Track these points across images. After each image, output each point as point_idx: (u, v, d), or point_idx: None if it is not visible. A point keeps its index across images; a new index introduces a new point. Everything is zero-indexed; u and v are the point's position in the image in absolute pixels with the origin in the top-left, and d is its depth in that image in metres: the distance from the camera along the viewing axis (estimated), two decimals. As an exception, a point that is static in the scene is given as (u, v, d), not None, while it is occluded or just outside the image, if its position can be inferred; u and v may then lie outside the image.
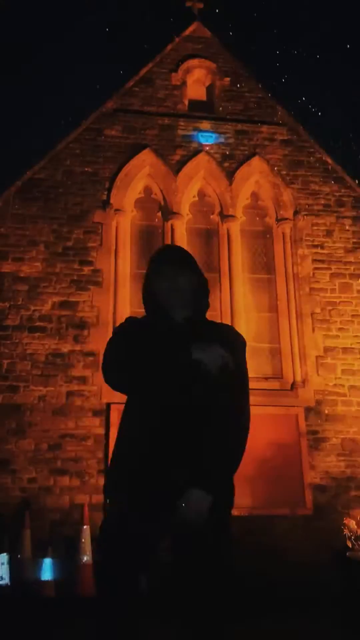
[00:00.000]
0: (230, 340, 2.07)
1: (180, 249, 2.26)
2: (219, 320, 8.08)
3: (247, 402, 2.06)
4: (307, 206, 8.86)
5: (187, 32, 9.78)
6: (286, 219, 8.75)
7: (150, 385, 1.94)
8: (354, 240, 8.78)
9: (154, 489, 1.85)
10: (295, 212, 8.79)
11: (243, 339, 2.16)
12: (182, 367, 1.89)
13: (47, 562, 6.02)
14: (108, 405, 7.29)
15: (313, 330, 8.20)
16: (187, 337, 1.96)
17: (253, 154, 9.02)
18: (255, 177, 8.98)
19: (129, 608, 1.81)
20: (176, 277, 2.06)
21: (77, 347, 7.60)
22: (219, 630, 1.87)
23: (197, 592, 1.86)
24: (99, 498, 6.82)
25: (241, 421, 2.02)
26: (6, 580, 5.66)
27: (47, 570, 5.96)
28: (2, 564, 5.73)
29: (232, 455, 1.98)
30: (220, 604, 1.89)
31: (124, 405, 2.08)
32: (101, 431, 7.28)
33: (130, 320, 2.18)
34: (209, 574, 1.87)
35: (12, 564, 5.91)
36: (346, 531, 6.61)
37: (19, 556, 6.07)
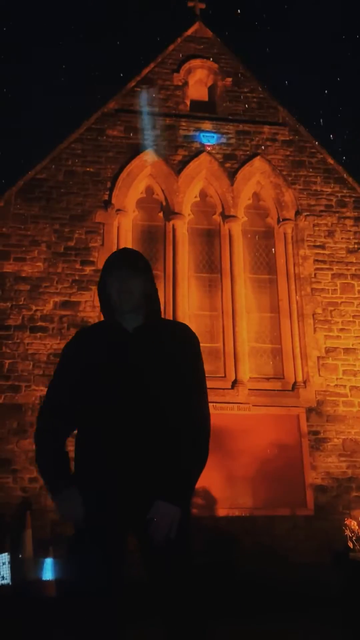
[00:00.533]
0: (184, 341, 2.11)
1: (134, 253, 2.24)
2: (219, 321, 8.17)
3: (205, 404, 2.05)
4: (308, 206, 8.86)
5: (189, 32, 9.78)
6: (288, 219, 8.75)
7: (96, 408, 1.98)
8: (356, 240, 8.78)
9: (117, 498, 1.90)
10: (297, 213, 8.78)
11: (197, 338, 2.17)
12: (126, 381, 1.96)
13: (49, 562, 6.01)
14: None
15: (314, 330, 8.20)
16: (133, 343, 2.05)
17: (255, 155, 9.02)
18: (256, 177, 8.98)
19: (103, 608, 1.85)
20: (128, 281, 2.07)
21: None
22: (198, 630, 1.88)
23: (172, 594, 1.90)
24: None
25: (200, 425, 2.00)
26: (7, 580, 5.66)
27: (48, 570, 5.96)
28: (4, 563, 5.73)
29: (195, 461, 1.97)
30: (196, 605, 1.90)
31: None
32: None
33: (78, 333, 2.22)
34: (180, 578, 1.90)
35: (13, 564, 5.91)
36: (347, 532, 6.60)
37: (20, 556, 6.07)
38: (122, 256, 2.18)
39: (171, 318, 8.00)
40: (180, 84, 9.36)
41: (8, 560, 5.76)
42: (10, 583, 5.65)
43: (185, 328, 2.19)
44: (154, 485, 1.87)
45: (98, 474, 1.92)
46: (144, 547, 1.93)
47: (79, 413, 2.03)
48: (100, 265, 7.98)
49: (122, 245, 8.26)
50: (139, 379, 1.97)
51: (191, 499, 2.05)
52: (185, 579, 1.91)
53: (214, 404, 7.61)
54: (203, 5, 10.00)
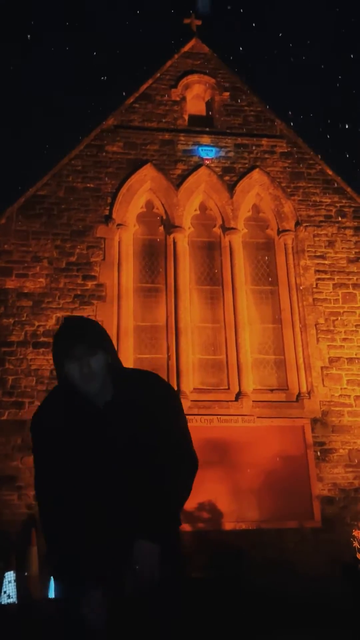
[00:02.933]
0: (159, 396, 2.02)
1: (86, 322, 2.05)
2: (222, 333, 8.14)
3: (191, 450, 2.00)
4: (308, 217, 8.90)
5: (186, 48, 9.92)
6: (288, 230, 8.78)
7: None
8: (356, 250, 8.80)
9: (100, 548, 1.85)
10: (297, 224, 8.82)
11: (170, 388, 2.08)
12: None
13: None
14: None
15: (317, 340, 8.19)
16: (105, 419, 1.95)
17: (253, 167, 9.09)
18: (255, 189, 9.03)
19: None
20: (88, 359, 1.90)
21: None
22: None
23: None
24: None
25: (186, 465, 1.97)
26: (13, 598, 5.61)
27: (54, 589, 5.90)
28: (9, 581, 5.68)
29: (174, 501, 1.93)
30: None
31: None
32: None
33: (39, 419, 2.05)
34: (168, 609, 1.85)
35: (19, 582, 5.86)
36: (355, 543, 6.54)
37: (25, 574, 6.02)
38: (74, 331, 1.98)
39: (173, 331, 8.01)
40: (178, 99, 9.47)
41: (14, 578, 5.72)
42: (15, 601, 5.60)
43: (156, 381, 2.07)
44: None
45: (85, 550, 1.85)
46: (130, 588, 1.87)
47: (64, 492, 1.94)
48: (102, 280, 8.06)
49: (123, 260, 8.30)
50: (120, 456, 1.90)
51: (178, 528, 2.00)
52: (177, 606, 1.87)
53: (218, 416, 7.58)
54: (199, 22, 10.16)
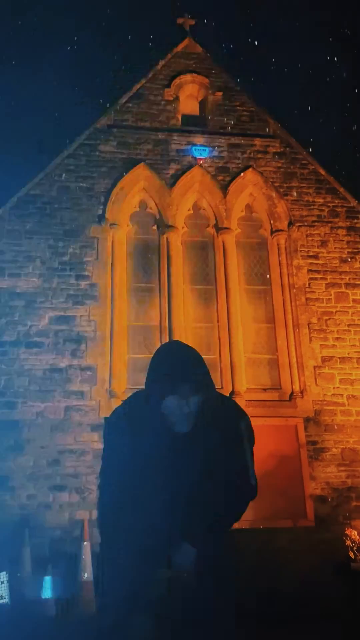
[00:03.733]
0: (234, 428, 2.06)
1: (195, 358, 2.03)
2: (215, 333, 8.15)
3: (248, 486, 2.04)
4: (301, 217, 8.93)
5: (179, 48, 9.91)
6: (281, 230, 8.80)
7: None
8: (349, 250, 8.83)
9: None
10: (290, 224, 8.84)
11: (248, 420, 2.12)
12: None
13: (48, 580, 5.94)
14: (106, 419, 7.26)
15: (310, 340, 8.22)
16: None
17: (246, 167, 9.10)
18: (249, 189, 9.05)
19: None
20: (190, 400, 1.92)
21: (75, 362, 7.59)
22: None
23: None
24: (98, 514, 6.76)
25: (242, 500, 2.04)
26: (6, 599, 5.58)
27: (47, 588, 5.88)
28: (2, 582, 5.66)
29: (220, 530, 2.03)
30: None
31: None
32: (100, 446, 7.20)
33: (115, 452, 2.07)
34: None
35: (12, 582, 5.84)
36: (348, 542, 6.57)
37: (18, 574, 5.99)
38: (182, 366, 1.97)
39: (167, 331, 8.01)
40: (171, 98, 9.47)
41: (6, 578, 5.69)
42: (8, 602, 5.58)
43: (234, 409, 2.11)
44: None
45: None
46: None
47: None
48: (95, 280, 8.04)
49: (116, 260, 8.29)
50: (187, 481, 1.93)
51: (227, 546, 2.10)
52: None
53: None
54: (193, 22, 10.17)
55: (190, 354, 2.06)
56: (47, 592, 5.82)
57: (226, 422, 2.04)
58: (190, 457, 1.96)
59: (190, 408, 1.93)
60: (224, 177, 9.02)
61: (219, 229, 8.77)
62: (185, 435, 1.98)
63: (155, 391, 1.96)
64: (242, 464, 2.04)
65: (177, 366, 1.96)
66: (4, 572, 5.71)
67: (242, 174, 9.04)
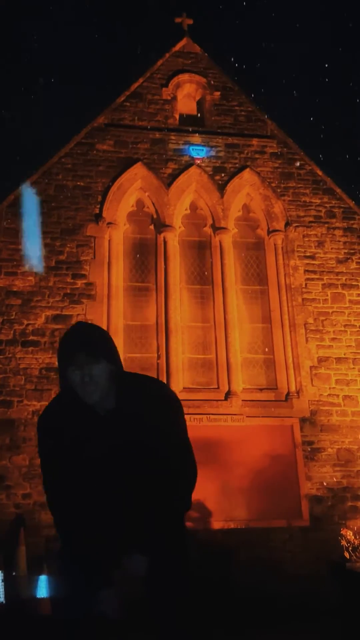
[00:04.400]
0: (161, 403, 2.04)
1: (93, 330, 2.06)
2: (211, 332, 8.17)
3: (192, 462, 2.02)
4: (298, 218, 8.94)
5: (177, 47, 9.91)
6: (277, 230, 8.81)
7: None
8: (345, 250, 8.85)
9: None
10: (287, 224, 8.86)
11: (175, 396, 2.10)
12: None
13: (43, 579, 5.94)
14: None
15: (306, 340, 8.23)
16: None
17: (244, 167, 9.11)
18: (246, 189, 9.06)
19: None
20: (91, 368, 1.89)
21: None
22: None
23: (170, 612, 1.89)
24: (94, 513, 6.75)
25: (183, 478, 1.99)
26: (1, 599, 5.58)
27: (42, 588, 5.88)
28: (-3, 581, 5.65)
29: (170, 519, 1.96)
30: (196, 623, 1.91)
31: None
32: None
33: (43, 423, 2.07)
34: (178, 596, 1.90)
35: (7, 582, 5.83)
36: (343, 542, 6.57)
37: (13, 573, 5.99)
38: (79, 338, 1.98)
39: (163, 330, 8.01)
40: (169, 98, 9.46)
41: (2, 577, 5.69)
42: (4, 601, 5.57)
43: (159, 388, 2.09)
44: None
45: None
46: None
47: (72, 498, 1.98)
48: (91, 279, 8.04)
49: (113, 259, 8.29)
50: (121, 463, 1.92)
51: (181, 547, 2.04)
52: (184, 597, 1.91)
53: (208, 415, 7.60)
54: (191, 21, 10.16)
55: (89, 328, 2.09)
56: (42, 591, 5.82)
57: (148, 400, 2.00)
58: (117, 442, 1.92)
59: (91, 378, 1.89)
60: (221, 176, 9.02)
61: (216, 228, 8.77)
62: (106, 421, 1.95)
63: (60, 368, 1.96)
64: (174, 442, 1.99)
65: (75, 340, 1.95)
66: (0, 572, 5.69)
67: (239, 174, 9.04)
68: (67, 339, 1.97)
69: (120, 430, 1.95)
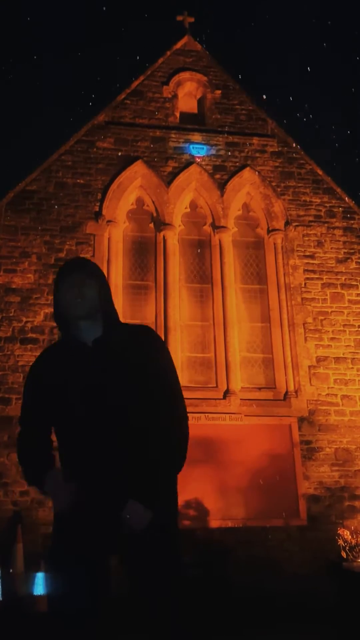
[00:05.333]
0: (149, 344, 2.05)
1: (85, 260, 2.22)
2: (210, 331, 8.18)
3: (181, 405, 2.01)
4: (298, 217, 8.94)
5: (178, 45, 9.89)
6: (277, 229, 8.81)
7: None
8: (345, 250, 8.85)
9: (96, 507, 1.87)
10: (287, 223, 8.85)
11: (161, 340, 2.13)
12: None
13: (40, 577, 5.94)
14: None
15: (305, 340, 8.23)
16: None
17: (244, 166, 9.10)
18: (246, 188, 9.05)
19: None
20: (80, 285, 2.02)
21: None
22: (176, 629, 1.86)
23: (159, 607, 1.86)
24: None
25: (174, 425, 1.96)
26: (-2, 596, 5.58)
27: (39, 585, 5.88)
28: (-6, 579, 5.65)
29: (168, 462, 1.94)
30: (172, 605, 1.87)
31: None
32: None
33: (39, 356, 2.16)
34: (167, 591, 1.87)
35: (4, 579, 5.83)
36: (340, 542, 6.58)
37: (11, 571, 5.99)
38: (73, 263, 2.17)
39: (163, 329, 8.01)
40: (169, 96, 9.44)
41: (-1, 575, 5.68)
42: (1, 598, 5.57)
43: (147, 331, 2.12)
44: (125, 499, 1.86)
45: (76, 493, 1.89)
46: (127, 564, 1.90)
47: (54, 431, 2.04)
48: (91, 277, 8.03)
49: (113, 257, 8.29)
50: (102, 395, 1.91)
51: (175, 506, 2.04)
52: (173, 592, 1.89)
53: (206, 414, 7.60)
54: (192, 19, 10.14)
55: (83, 258, 2.30)
56: (39, 589, 5.82)
57: (140, 336, 2.07)
58: (105, 368, 1.95)
59: (81, 293, 2.01)
60: (222, 175, 9.01)
61: (215, 227, 8.77)
62: (92, 350, 2.00)
63: (55, 296, 2.10)
64: (163, 382, 1.99)
65: (68, 265, 2.13)
66: (-3, 569, 5.70)
67: (239, 173, 9.03)
68: (64, 265, 2.13)
69: (105, 360, 1.97)
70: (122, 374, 1.95)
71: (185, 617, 1.89)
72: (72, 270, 2.06)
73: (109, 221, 8.40)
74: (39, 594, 5.82)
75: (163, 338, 7.97)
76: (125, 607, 1.99)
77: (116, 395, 1.92)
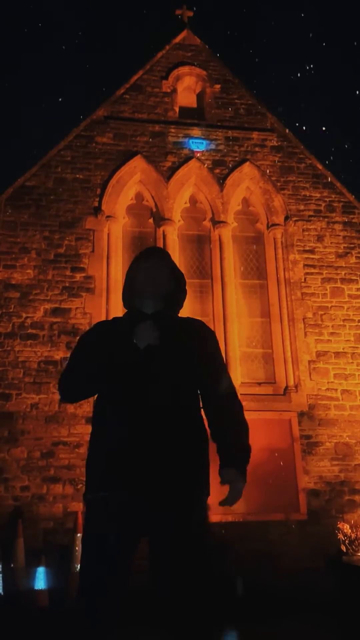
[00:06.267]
0: (199, 331, 2.18)
1: (165, 252, 2.40)
2: (210, 326, 8.16)
3: (229, 379, 2.17)
4: (297, 212, 8.92)
5: (177, 39, 9.84)
6: (277, 224, 8.79)
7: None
8: (345, 245, 8.84)
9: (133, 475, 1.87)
10: (286, 218, 8.83)
11: (210, 329, 2.26)
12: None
13: (41, 571, 5.96)
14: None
15: (305, 335, 8.23)
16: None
17: (244, 160, 9.07)
18: (246, 183, 9.02)
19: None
20: (155, 271, 2.18)
21: (70, 354, 7.56)
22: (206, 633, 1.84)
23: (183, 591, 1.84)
24: (92, 506, 6.77)
25: (239, 403, 2.16)
26: (0, 591, 5.61)
27: (40, 580, 5.91)
28: (-5, 573, 5.68)
29: (246, 430, 2.13)
30: (206, 607, 1.87)
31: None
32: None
33: (96, 325, 2.29)
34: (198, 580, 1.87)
35: (5, 574, 5.86)
36: (340, 535, 6.61)
37: (12, 566, 6.01)
38: (152, 250, 2.34)
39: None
40: (168, 90, 9.41)
41: (0, 569, 5.70)
42: (2, 593, 5.59)
43: (200, 322, 2.26)
44: (183, 477, 1.91)
45: (118, 462, 1.90)
46: (159, 544, 1.88)
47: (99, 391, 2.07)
48: (90, 272, 8.02)
49: (112, 252, 8.28)
50: (161, 361, 1.99)
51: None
52: (203, 582, 1.88)
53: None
54: (191, 13, 10.10)
55: (162, 249, 2.47)
56: (40, 583, 5.85)
57: (196, 324, 2.22)
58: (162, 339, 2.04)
59: (153, 276, 2.17)
60: (221, 170, 8.99)
61: (215, 222, 8.75)
62: (155, 316, 2.13)
63: (128, 275, 2.28)
64: (223, 368, 2.20)
65: (145, 250, 2.32)
66: (-2, 563, 5.72)
67: (239, 168, 9.01)
68: (140, 253, 2.29)
69: (165, 328, 2.07)
70: (181, 345, 2.07)
71: (210, 615, 1.87)
72: (149, 256, 2.24)
73: (108, 216, 8.39)
74: (40, 588, 5.85)
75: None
76: (145, 598, 1.97)
77: (175, 364, 2.01)
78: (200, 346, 2.10)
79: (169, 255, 2.33)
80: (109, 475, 1.88)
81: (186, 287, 2.37)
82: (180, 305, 2.31)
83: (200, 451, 1.96)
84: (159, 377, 1.97)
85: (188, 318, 2.31)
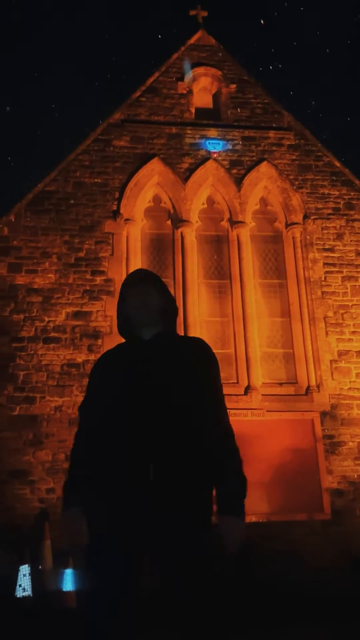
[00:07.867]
0: (202, 354, 2.13)
1: (148, 271, 2.37)
2: (230, 327, 8.18)
3: (228, 419, 2.13)
4: (316, 210, 8.87)
5: (192, 40, 9.85)
6: (296, 223, 8.76)
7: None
8: (365, 242, 8.75)
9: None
10: (305, 216, 8.79)
11: (213, 354, 2.18)
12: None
13: (68, 573, 6.04)
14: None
15: (326, 334, 8.19)
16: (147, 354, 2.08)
17: (261, 160, 9.05)
18: (263, 182, 9.00)
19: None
20: (146, 297, 2.17)
21: (92, 357, 7.66)
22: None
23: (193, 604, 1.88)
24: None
25: (233, 443, 2.12)
26: (28, 592, 5.69)
27: (68, 581, 5.99)
28: (24, 575, 5.76)
29: (241, 479, 2.08)
30: (217, 615, 1.91)
31: None
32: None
33: (101, 358, 2.24)
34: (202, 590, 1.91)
35: (33, 575, 5.94)
36: (365, 536, 6.57)
37: (39, 567, 6.10)
38: (137, 275, 2.30)
39: (182, 325, 8.04)
40: (184, 92, 9.42)
41: (28, 571, 5.80)
42: (30, 594, 5.69)
43: (202, 343, 2.20)
44: (187, 507, 1.91)
45: (119, 494, 1.93)
46: (162, 567, 1.92)
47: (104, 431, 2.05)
48: (110, 275, 8.09)
49: (131, 255, 8.33)
50: (161, 389, 1.97)
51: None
52: (208, 589, 1.92)
53: (228, 410, 7.61)
54: (205, 13, 10.09)
55: (146, 270, 2.41)
56: (68, 585, 5.92)
57: (195, 346, 2.16)
58: (158, 366, 2.03)
59: (146, 303, 2.15)
60: (238, 170, 8.98)
61: (233, 222, 8.75)
62: (152, 341, 2.11)
63: (119, 302, 2.26)
64: (220, 395, 2.12)
65: (138, 274, 2.30)
66: (26, 565, 5.81)
67: (256, 167, 8.99)
68: (125, 279, 2.29)
69: (164, 354, 2.06)
70: (179, 369, 2.03)
71: (218, 615, 1.92)
72: (137, 282, 2.22)
73: (126, 219, 8.44)
74: (68, 589, 5.93)
75: (182, 334, 8.01)
76: (155, 603, 2.01)
77: (175, 391, 1.98)
78: (203, 377, 2.06)
79: (151, 273, 2.33)
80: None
81: (175, 299, 2.37)
82: (176, 315, 2.30)
83: (206, 501, 2.01)
84: (165, 411, 1.96)
85: (189, 339, 2.31)
